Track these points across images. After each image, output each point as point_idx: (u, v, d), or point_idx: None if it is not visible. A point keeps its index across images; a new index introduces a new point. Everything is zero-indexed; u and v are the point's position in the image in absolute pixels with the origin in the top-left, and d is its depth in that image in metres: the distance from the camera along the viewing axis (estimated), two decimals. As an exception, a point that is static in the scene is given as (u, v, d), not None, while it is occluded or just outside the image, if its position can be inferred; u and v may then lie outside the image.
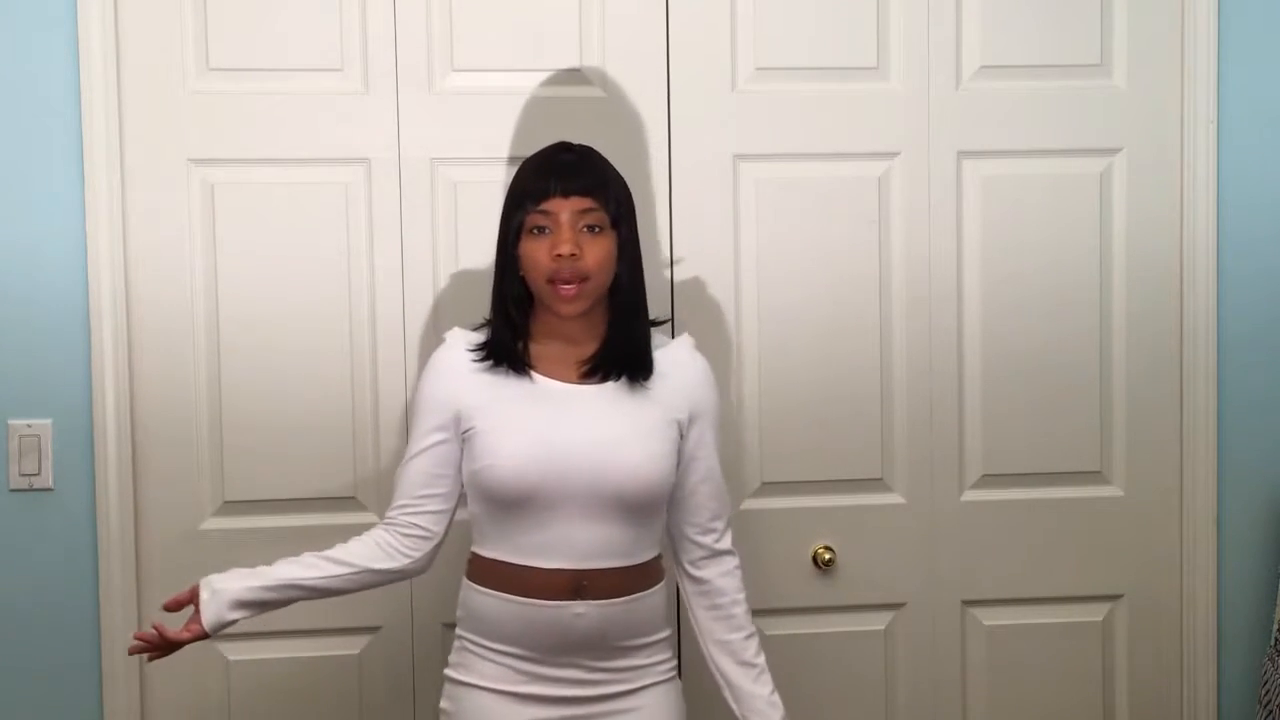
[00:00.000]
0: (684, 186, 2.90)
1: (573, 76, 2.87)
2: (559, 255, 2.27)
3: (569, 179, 2.31)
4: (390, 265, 2.84)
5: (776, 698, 2.41)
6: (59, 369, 2.76)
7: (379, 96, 2.83)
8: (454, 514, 2.40)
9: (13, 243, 2.75)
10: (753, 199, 2.92)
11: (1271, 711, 2.83)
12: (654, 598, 2.39)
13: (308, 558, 2.36)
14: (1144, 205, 3.02)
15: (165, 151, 2.78)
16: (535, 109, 2.85)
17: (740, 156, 2.92)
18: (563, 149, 2.40)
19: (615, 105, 2.87)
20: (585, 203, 2.30)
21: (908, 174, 2.96)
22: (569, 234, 2.28)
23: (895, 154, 2.96)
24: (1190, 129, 3.00)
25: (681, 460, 2.39)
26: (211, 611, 2.29)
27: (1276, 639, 2.90)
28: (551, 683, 2.32)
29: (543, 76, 2.86)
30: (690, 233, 2.90)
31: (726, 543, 2.44)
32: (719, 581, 2.42)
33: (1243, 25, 3.00)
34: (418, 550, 2.37)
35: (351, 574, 2.35)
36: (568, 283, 2.28)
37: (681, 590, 2.49)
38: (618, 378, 2.35)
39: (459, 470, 2.36)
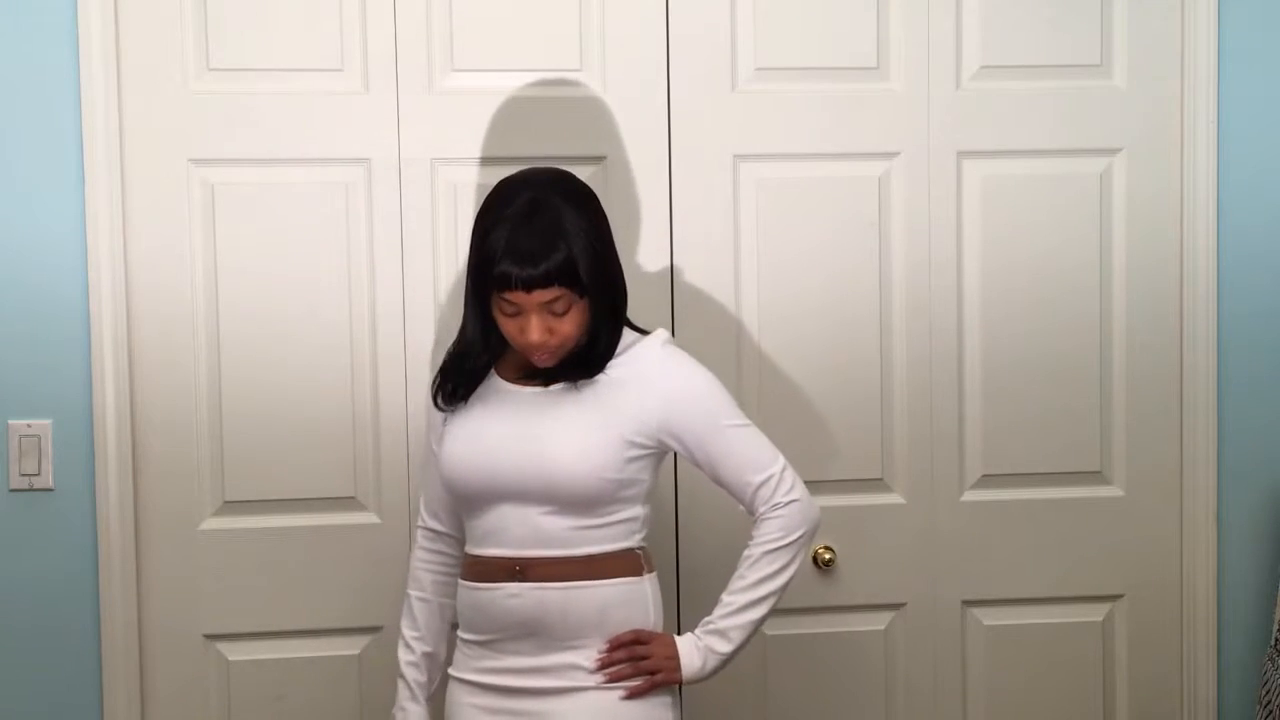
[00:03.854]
0: (684, 186, 2.90)
1: (573, 76, 2.87)
2: (530, 342, 2.27)
3: (529, 268, 2.22)
4: (390, 265, 2.84)
5: (724, 625, 2.33)
6: (59, 369, 2.76)
7: (379, 96, 2.83)
8: None
9: (13, 243, 2.75)
10: (753, 199, 2.92)
11: (1271, 711, 2.83)
12: (604, 591, 2.33)
13: (419, 650, 2.51)
14: (1144, 205, 3.01)
15: (165, 151, 2.78)
16: (535, 109, 2.85)
17: (740, 156, 2.92)
18: (520, 218, 2.25)
19: (615, 105, 2.87)
20: (548, 294, 2.24)
21: (908, 174, 2.96)
22: (536, 323, 2.26)
23: (895, 154, 2.96)
24: (1190, 129, 3.00)
25: (698, 465, 2.39)
26: None
27: (1276, 639, 2.90)
28: (498, 673, 2.35)
29: (543, 76, 2.86)
30: (690, 233, 2.90)
31: (779, 496, 2.35)
32: (755, 529, 2.37)
33: (1243, 25, 3.00)
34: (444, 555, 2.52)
35: (442, 612, 2.51)
36: (542, 354, 2.30)
37: None
38: (561, 380, 2.35)
39: None
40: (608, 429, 2.32)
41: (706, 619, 2.36)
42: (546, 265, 2.23)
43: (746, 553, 2.36)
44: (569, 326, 2.29)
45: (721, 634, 2.35)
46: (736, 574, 2.36)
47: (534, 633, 2.32)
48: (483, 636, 2.37)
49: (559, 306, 2.27)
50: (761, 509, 2.36)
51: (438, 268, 2.84)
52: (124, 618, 2.78)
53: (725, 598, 2.36)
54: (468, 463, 2.35)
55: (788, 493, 2.37)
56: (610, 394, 2.34)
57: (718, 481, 2.39)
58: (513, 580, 2.32)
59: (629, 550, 2.38)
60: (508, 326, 2.30)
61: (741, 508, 2.41)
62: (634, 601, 2.36)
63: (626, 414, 2.33)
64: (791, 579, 2.37)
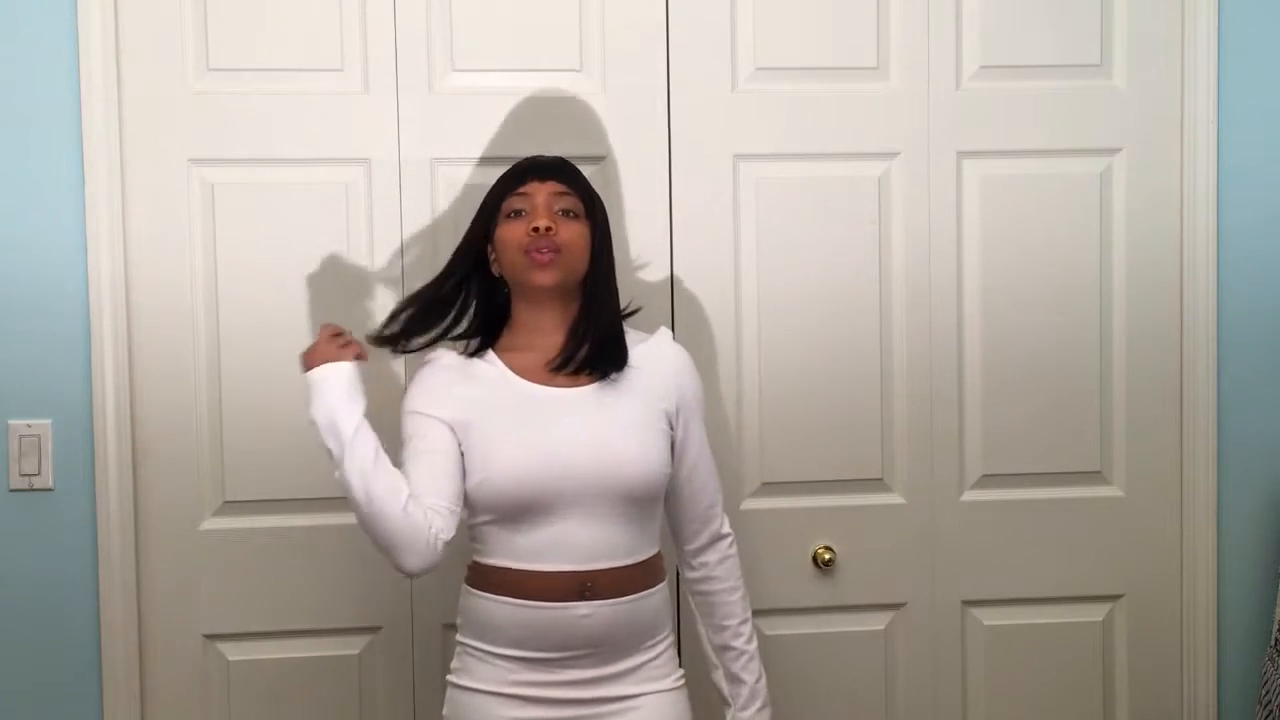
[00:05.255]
0: (684, 186, 2.90)
1: (573, 77, 2.87)
2: (534, 229, 2.32)
3: (545, 169, 2.41)
4: (390, 265, 2.84)
5: (762, 685, 2.46)
6: (59, 369, 2.76)
7: (379, 96, 2.83)
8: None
9: (13, 243, 2.75)
10: (753, 199, 2.92)
11: (1271, 711, 2.83)
12: (656, 597, 2.40)
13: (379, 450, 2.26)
14: (1144, 205, 3.02)
15: (165, 151, 2.78)
16: (535, 109, 2.85)
17: (740, 156, 2.92)
18: (537, 156, 2.49)
19: (615, 105, 2.87)
20: (560, 187, 2.38)
21: (908, 174, 2.96)
22: (544, 211, 2.35)
23: (895, 154, 2.96)
24: (1190, 129, 3.00)
25: (674, 450, 2.41)
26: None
27: (1276, 639, 2.90)
28: (553, 685, 2.32)
29: (543, 77, 2.86)
30: (690, 233, 2.90)
31: (726, 528, 2.49)
32: (717, 569, 2.47)
33: (1243, 25, 3.00)
34: (439, 544, 2.26)
35: (381, 490, 2.22)
36: (542, 251, 2.33)
37: (682, 578, 2.52)
38: (590, 370, 2.36)
39: (462, 476, 2.32)
40: (652, 420, 2.37)
41: (735, 685, 2.46)
42: (559, 169, 2.42)
43: (729, 597, 2.46)
44: (573, 231, 2.36)
45: (758, 690, 2.46)
46: (733, 615, 2.46)
47: (599, 646, 2.33)
48: (539, 654, 2.32)
49: (567, 204, 2.37)
50: (719, 535, 2.47)
51: (438, 268, 2.84)
52: (124, 618, 2.78)
53: (744, 646, 2.46)
54: (531, 476, 2.28)
55: (729, 526, 2.51)
56: (639, 385, 2.38)
57: (684, 483, 2.44)
58: (582, 598, 2.30)
59: (659, 552, 2.43)
60: (514, 232, 2.35)
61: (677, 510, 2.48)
62: (668, 604, 2.45)
63: (657, 401, 2.39)
64: None
